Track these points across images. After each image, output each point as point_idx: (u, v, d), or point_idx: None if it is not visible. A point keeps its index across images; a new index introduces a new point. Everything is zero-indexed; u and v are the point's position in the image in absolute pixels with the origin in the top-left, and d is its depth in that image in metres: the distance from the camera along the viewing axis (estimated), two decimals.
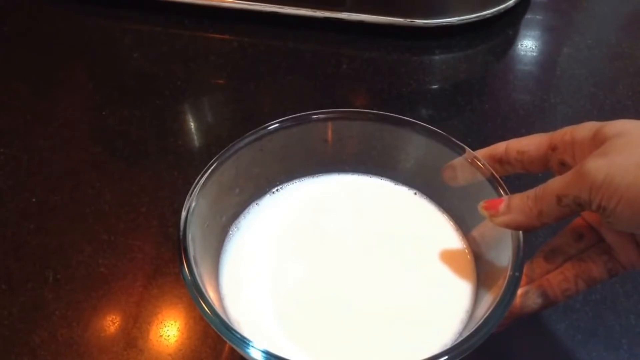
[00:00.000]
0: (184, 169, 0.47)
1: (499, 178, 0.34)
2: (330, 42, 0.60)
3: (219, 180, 0.35)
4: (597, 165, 0.27)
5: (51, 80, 0.56)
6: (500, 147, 0.35)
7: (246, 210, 0.38)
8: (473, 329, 0.28)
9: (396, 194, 0.39)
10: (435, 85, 0.56)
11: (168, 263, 0.41)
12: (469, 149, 0.35)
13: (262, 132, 0.36)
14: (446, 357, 0.27)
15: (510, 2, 0.60)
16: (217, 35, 0.61)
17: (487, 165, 0.34)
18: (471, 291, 0.34)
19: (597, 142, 0.29)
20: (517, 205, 0.30)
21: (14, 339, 0.37)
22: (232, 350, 0.36)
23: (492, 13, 0.59)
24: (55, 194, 0.45)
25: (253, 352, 0.27)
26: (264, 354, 0.27)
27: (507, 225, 0.31)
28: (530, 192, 0.30)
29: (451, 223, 0.37)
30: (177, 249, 0.30)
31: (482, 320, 0.29)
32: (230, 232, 0.37)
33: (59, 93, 0.55)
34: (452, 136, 0.36)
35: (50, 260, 0.41)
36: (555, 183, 0.29)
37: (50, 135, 0.50)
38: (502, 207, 0.31)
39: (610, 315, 0.38)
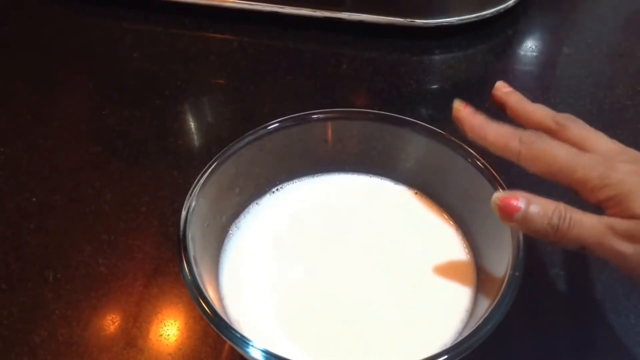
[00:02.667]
0: (184, 169, 0.47)
1: (499, 178, 0.34)
2: (330, 42, 0.60)
3: (219, 180, 0.35)
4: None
5: (51, 80, 0.56)
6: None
7: (246, 210, 0.38)
8: (473, 329, 0.28)
9: (396, 193, 0.39)
10: (435, 85, 0.57)
11: (168, 263, 0.41)
12: (469, 148, 0.35)
13: (262, 131, 0.37)
14: (446, 356, 0.27)
15: (510, 2, 0.60)
16: (217, 35, 0.61)
17: (488, 166, 0.34)
18: (471, 290, 0.34)
19: (618, 207, 0.29)
20: (534, 223, 0.29)
21: (14, 338, 0.37)
22: (232, 350, 0.36)
23: (491, 13, 0.59)
24: (55, 194, 0.45)
25: (253, 351, 0.27)
26: (263, 354, 0.27)
27: (516, 230, 0.31)
28: (554, 219, 0.29)
29: (451, 222, 0.37)
30: (177, 248, 0.30)
31: (482, 320, 0.29)
32: (230, 232, 0.37)
33: (59, 93, 0.55)
34: (452, 136, 0.36)
35: (50, 260, 0.41)
36: (586, 232, 0.29)
37: (50, 135, 0.50)
38: (518, 215, 0.30)
39: (610, 315, 0.38)
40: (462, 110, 0.34)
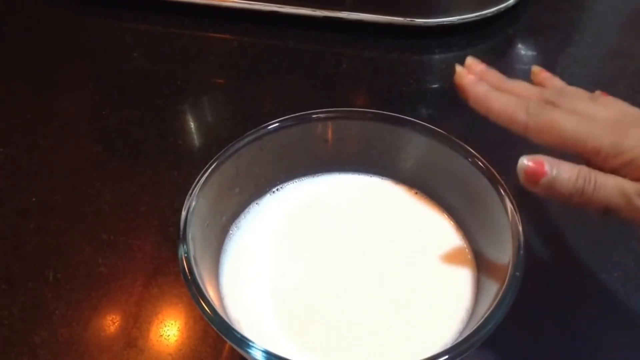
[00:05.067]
0: (184, 169, 0.47)
1: (499, 178, 0.34)
2: (330, 41, 0.60)
3: (219, 179, 0.35)
4: None
5: (51, 80, 0.56)
6: (490, 81, 0.34)
7: (246, 210, 0.38)
8: (474, 328, 0.28)
9: (396, 193, 0.39)
10: (435, 84, 0.56)
11: (168, 263, 0.41)
12: (469, 148, 0.35)
13: (262, 131, 0.36)
14: (446, 356, 0.27)
15: (510, 1, 0.60)
16: (217, 35, 0.61)
17: (488, 165, 0.34)
18: (472, 290, 0.34)
19: (637, 172, 0.29)
20: (560, 187, 0.29)
21: (14, 338, 0.37)
22: (232, 350, 0.36)
23: (492, 12, 0.59)
24: (55, 194, 0.45)
25: (253, 351, 0.27)
26: (264, 354, 0.27)
27: (541, 195, 0.30)
28: (579, 182, 0.29)
29: (451, 222, 0.37)
30: (177, 248, 0.30)
31: (482, 320, 0.29)
32: (231, 232, 0.37)
33: (59, 93, 0.55)
34: (452, 135, 0.36)
35: (50, 260, 0.41)
36: (611, 194, 0.28)
37: (50, 135, 0.50)
38: (545, 180, 0.29)
39: (611, 315, 0.38)
40: (464, 77, 0.33)
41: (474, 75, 0.33)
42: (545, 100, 0.33)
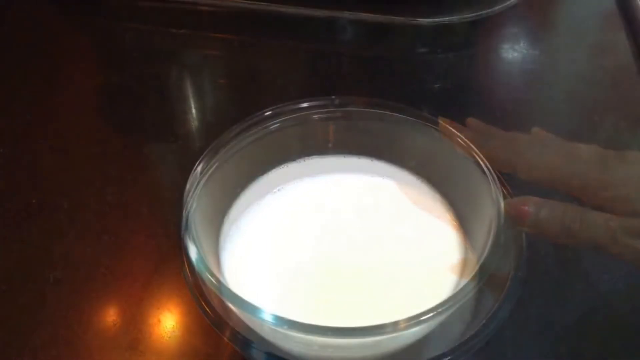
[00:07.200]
0: (184, 169, 0.47)
1: (503, 179, 0.34)
2: (330, 41, 0.60)
3: (219, 179, 0.35)
4: None
5: (51, 80, 0.56)
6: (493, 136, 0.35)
7: (246, 210, 0.38)
8: (476, 330, 0.28)
9: (398, 193, 0.39)
10: (436, 84, 0.56)
11: (168, 263, 0.41)
12: (473, 147, 0.35)
13: (263, 131, 0.36)
14: (449, 357, 0.27)
15: (511, 1, 0.60)
16: (217, 35, 0.61)
17: (490, 167, 0.34)
18: (473, 291, 0.34)
19: (623, 206, 0.29)
20: (546, 226, 0.30)
21: (14, 340, 0.37)
22: (234, 351, 0.36)
23: (493, 11, 0.59)
24: (55, 194, 0.45)
25: (255, 353, 0.27)
26: (265, 355, 0.27)
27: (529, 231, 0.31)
28: (565, 220, 0.29)
29: (455, 223, 0.37)
30: (178, 248, 0.30)
31: (484, 321, 0.28)
32: (231, 232, 0.37)
33: (59, 93, 0.55)
34: (454, 135, 0.36)
35: (51, 260, 0.41)
36: (598, 232, 0.29)
37: (50, 135, 0.50)
38: (529, 220, 0.30)
39: (613, 316, 0.38)
40: (447, 127, 0.35)
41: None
42: (538, 140, 0.33)
